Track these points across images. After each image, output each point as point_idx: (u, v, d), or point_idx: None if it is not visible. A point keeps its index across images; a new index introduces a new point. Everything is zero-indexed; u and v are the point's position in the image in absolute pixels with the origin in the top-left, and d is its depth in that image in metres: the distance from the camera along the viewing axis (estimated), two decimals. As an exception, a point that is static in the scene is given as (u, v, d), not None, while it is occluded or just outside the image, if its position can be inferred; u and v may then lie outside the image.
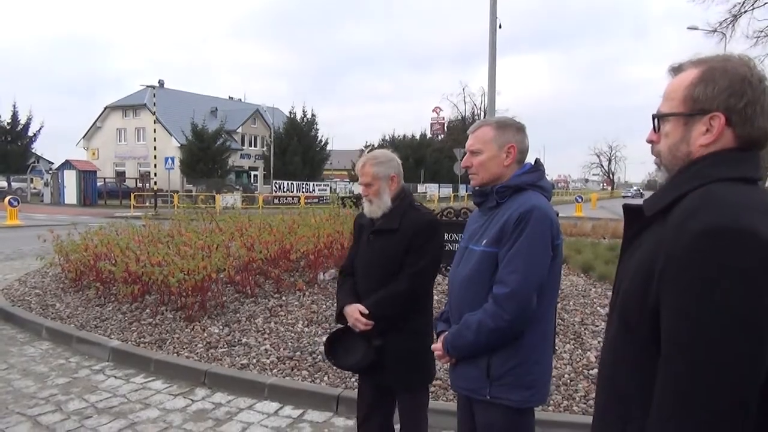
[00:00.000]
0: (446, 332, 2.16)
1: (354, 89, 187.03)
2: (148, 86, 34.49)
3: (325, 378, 4.25)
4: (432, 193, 47.15)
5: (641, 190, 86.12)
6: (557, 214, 2.14)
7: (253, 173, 50.64)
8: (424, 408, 2.74)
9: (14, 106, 38.65)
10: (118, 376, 4.60)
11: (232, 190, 36.00)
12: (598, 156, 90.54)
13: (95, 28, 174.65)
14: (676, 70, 1.27)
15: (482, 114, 59.26)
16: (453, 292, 2.23)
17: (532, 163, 2.18)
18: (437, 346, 2.18)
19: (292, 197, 35.72)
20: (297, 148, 43.39)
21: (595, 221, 15.42)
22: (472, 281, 2.09)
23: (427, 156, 53.27)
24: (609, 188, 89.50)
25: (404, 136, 55.80)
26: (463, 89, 72.15)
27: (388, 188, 2.64)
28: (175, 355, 4.80)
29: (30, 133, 39.34)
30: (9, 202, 20.04)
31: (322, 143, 47.12)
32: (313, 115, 46.17)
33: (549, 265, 2.01)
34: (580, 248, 8.68)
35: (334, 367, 4.28)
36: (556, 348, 4.52)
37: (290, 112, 46.27)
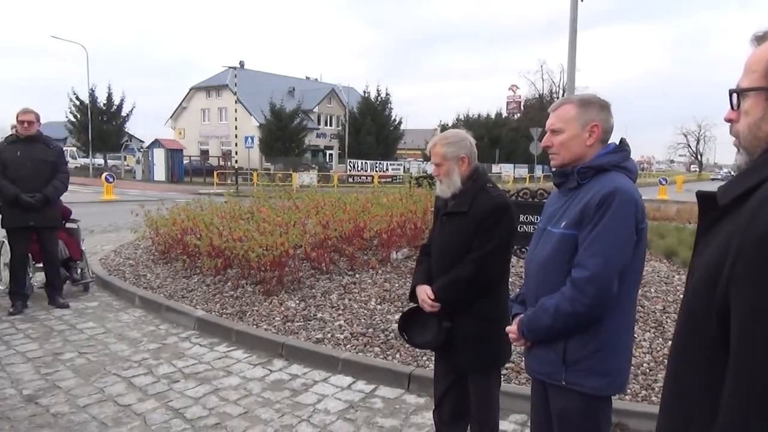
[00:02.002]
0: (522, 315, 2.13)
1: (430, 67, 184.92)
2: (229, 67, 35.81)
3: (397, 356, 4.32)
4: (507, 173, 46.18)
5: (732, 173, 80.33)
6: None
7: (328, 152, 51.53)
8: (496, 390, 2.74)
9: (109, 88, 41.07)
10: (202, 344, 4.87)
11: (308, 168, 36.82)
12: (686, 136, 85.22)
13: (183, 11, 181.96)
14: (759, 39, 1.12)
15: (561, 92, 57.17)
16: (529, 274, 2.19)
17: (617, 143, 2.09)
18: (512, 329, 2.16)
19: (366, 176, 36.05)
20: (371, 127, 43.65)
21: (680, 205, 14.61)
22: (549, 264, 2.04)
23: (502, 135, 52.04)
24: (697, 170, 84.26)
25: (479, 115, 54.73)
26: (541, 66, 69.58)
27: (458, 169, 2.61)
28: (255, 326, 5.02)
29: (123, 114, 41.71)
30: (105, 178, 21.54)
31: (396, 122, 47.13)
32: (387, 94, 46.23)
33: (632, 250, 1.93)
34: (664, 233, 8.29)
35: (406, 345, 4.35)
36: (636, 336, 4.35)
37: (364, 92, 46.54)
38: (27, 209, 5.48)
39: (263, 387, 3.99)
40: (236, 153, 32.45)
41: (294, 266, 6.22)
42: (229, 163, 38.78)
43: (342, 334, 4.76)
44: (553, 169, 2.15)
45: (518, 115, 59.27)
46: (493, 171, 44.38)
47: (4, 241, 6.15)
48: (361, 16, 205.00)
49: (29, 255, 5.91)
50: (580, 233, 1.95)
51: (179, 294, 6.05)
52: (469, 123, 50.21)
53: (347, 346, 4.53)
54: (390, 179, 34.65)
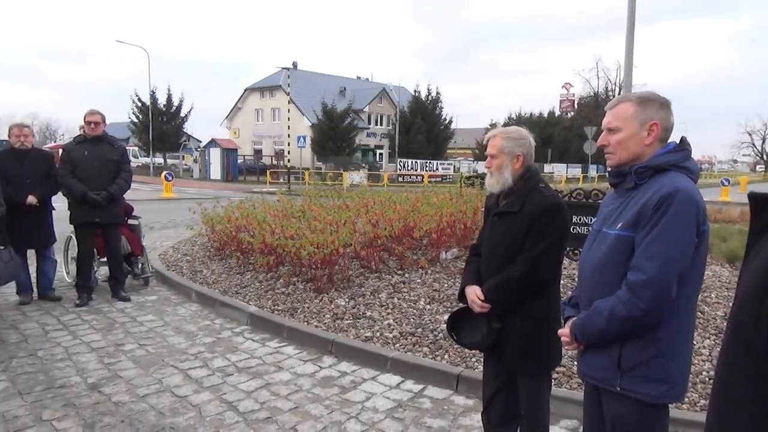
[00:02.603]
0: (574, 318, 2.09)
1: (482, 65, 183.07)
2: (282, 68, 36.49)
3: (446, 356, 4.30)
4: (559, 173, 45.17)
5: None
6: (700, 198, 1.96)
7: (378, 151, 51.80)
8: (546, 394, 2.69)
9: (169, 89, 42.58)
10: (255, 339, 4.99)
11: (358, 167, 37.10)
12: (750, 134, 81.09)
13: (240, 15, 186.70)
14: None
15: (617, 89, 55.46)
16: (583, 276, 2.14)
17: (677, 142, 2.02)
18: (564, 332, 2.12)
19: (416, 175, 36.04)
20: (421, 127, 43.58)
21: (744, 206, 13.88)
22: (604, 266, 1.99)
23: (555, 135, 50.94)
24: (763, 169, 79.96)
25: (531, 113, 53.74)
26: (597, 63, 68.16)
27: (511, 165, 2.58)
28: (305, 323, 5.10)
29: (182, 114, 43.16)
30: (165, 176, 22.38)
31: (447, 121, 46.89)
32: (437, 93, 46.06)
33: (692, 253, 1.86)
34: (726, 236, 7.92)
35: (455, 346, 4.33)
36: (695, 343, 4.19)
37: (415, 91, 46.51)
38: (93, 206, 5.76)
39: (313, 383, 4.05)
40: (288, 152, 33.05)
41: (344, 264, 6.29)
42: (281, 162, 39.55)
43: (391, 333, 4.78)
44: (610, 169, 2.10)
45: (572, 113, 57.93)
46: (545, 171, 43.53)
47: (71, 237, 6.48)
48: (413, 15, 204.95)
49: (94, 250, 6.20)
50: (637, 235, 1.89)
51: (233, 290, 6.22)
52: (521, 122, 49.40)
53: (396, 345, 4.54)
54: (440, 179, 34.52)
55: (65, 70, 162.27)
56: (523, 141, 2.62)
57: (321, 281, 5.90)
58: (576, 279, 2.51)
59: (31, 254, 6.06)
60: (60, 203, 5.90)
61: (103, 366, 4.30)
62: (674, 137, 2.05)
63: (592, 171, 41.55)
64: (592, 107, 53.73)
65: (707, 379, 3.83)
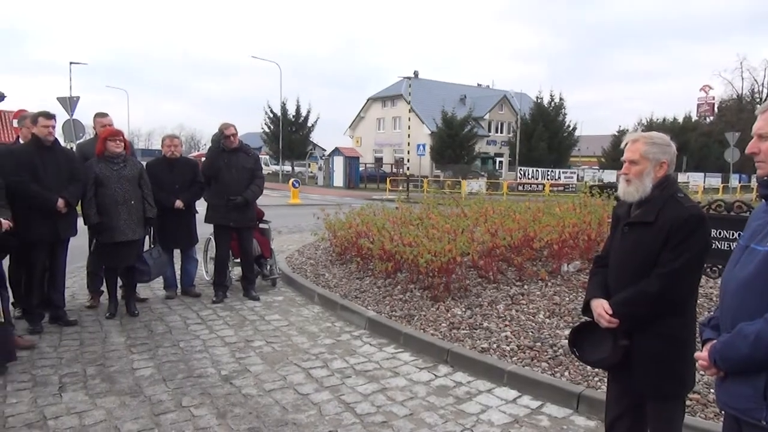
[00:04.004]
0: (714, 341, 1.92)
1: (609, 69, 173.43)
2: (404, 78, 37.15)
3: (566, 373, 4.13)
4: (696, 183, 41.43)
5: None
6: None
7: (498, 159, 50.94)
8: (677, 422, 2.49)
9: (297, 101, 45.10)
10: (372, 343, 5.12)
11: (477, 176, 36.76)
12: None
13: (366, 26, 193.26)
14: None
15: (765, 91, 50.01)
16: (726, 296, 1.96)
17: None
18: (702, 356, 1.95)
19: (537, 184, 34.95)
20: (543, 134, 42.19)
21: None
22: (751, 286, 1.81)
23: (691, 141, 46.76)
24: None
25: (664, 119, 49.82)
26: (741, 63, 61.59)
27: (653, 173, 2.42)
28: (422, 331, 5.14)
29: (309, 124, 45.44)
30: (292, 183, 23.75)
31: (570, 128, 44.98)
32: (561, 99, 44.37)
33: None
34: None
35: (576, 363, 4.14)
36: None
37: (537, 97, 45.18)
38: (229, 210, 6.26)
39: (428, 391, 4.07)
40: (408, 160, 33.52)
41: (461, 273, 6.26)
42: (401, 170, 40.23)
43: (508, 345, 4.68)
44: (761, 179, 1.90)
45: (711, 118, 53.01)
46: (679, 180, 40.11)
47: (210, 238, 7.07)
48: (536, 20, 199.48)
49: (230, 251, 6.71)
50: None
51: (353, 294, 6.42)
52: (652, 128, 45.76)
53: (513, 359, 4.44)
54: (562, 188, 33.20)
55: (209, 85, 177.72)
56: (668, 148, 2.47)
57: (438, 289, 5.92)
58: (715, 298, 2.32)
59: (176, 253, 6.69)
60: (202, 207, 6.48)
61: (235, 360, 4.64)
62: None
63: (734, 181, 37.65)
64: (735, 111, 48.95)
65: None
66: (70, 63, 25.65)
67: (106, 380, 4.14)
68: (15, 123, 8.85)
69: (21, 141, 5.61)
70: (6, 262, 4.84)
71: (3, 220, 4.07)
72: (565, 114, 44.48)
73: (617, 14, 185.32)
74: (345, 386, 4.14)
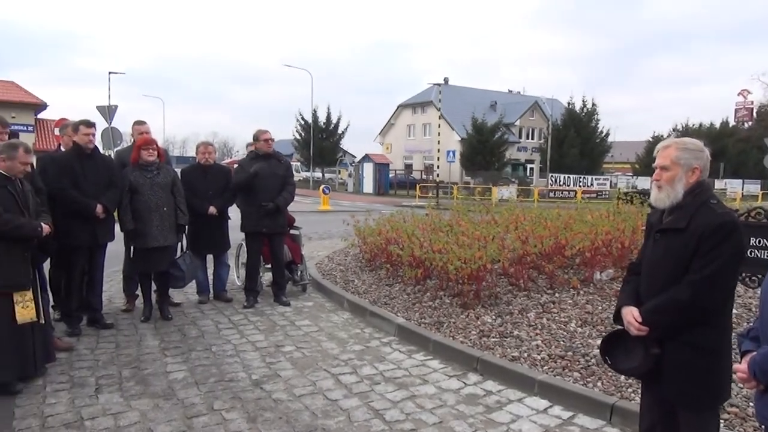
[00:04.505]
0: (754, 353, 1.87)
1: (642, 74, 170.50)
2: (434, 84, 37.14)
3: (599, 383, 4.05)
4: (733, 189, 40.25)
5: None
6: None
7: (529, 166, 50.41)
8: None
9: (328, 108, 45.59)
10: (401, 350, 5.11)
11: (507, 182, 36.45)
12: None
13: (397, 33, 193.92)
14: None
15: (806, 96, 48.30)
16: (766, 306, 1.91)
17: None
18: (741, 368, 1.90)
19: (568, 191, 34.45)
20: (575, 140, 41.61)
21: None
22: None
23: (728, 147, 45.48)
24: None
25: (700, 124, 48.58)
26: (780, 67, 59.28)
27: (685, 179, 2.38)
28: (451, 338, 5.11)
29: (339, 131, 45.78)
30: (323, 190, 23.93)
31: (603, 134, 44.24)
32: (593, 105, 43.73)
33: None
34: None
35: (609, 373, 4.07)
36: None
37: (569, 103, 44.62)
38: (262, 216, 6.34)
39: (457, 399, 4.05)
40: (438, 167, 33.46)
41: (491, 281, 6.21)
42: (431, 176, 40.17)
43: (539, 354, 4.62)
44: None
45: (749, 123, 51.47)
46: (716, 186, 39.11)
47: (242, 244, 7.17)
48: (567, 25, 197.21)
49: (261, 257, 6.80)
50: None
51: (382, 300, 6.43)
52: (687, 134, 44.94)
53: (544, 368, 4.38)
54: (594, 195, 32.62)
55: (242, 92, 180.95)
56: (700, 153, 2.42)
57: (468, 297, 5.88)
58: (754, 309, 2.26)
59: (208, 258, 6.80)
60: (234, 213, 6.59)
61: (265, 365, 4.69)
62: None
63: (774, 188, 36.47)
64: (776, 116, 47.38)
65: None
66: (109, 73, 26.37)
67: (141, 383, 4.24)
68: (57, 131, 9.15)
69: (62, 148, 5.80)
70: (46, 266, 5.00)
71: (44, 225, 4.21)
72: (598, 120, 43.86)
73: (650, 18, 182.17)
74: (374, 393, 4.14)
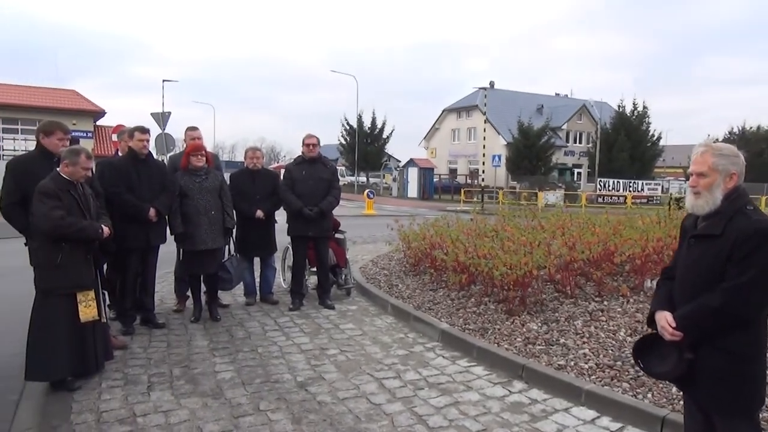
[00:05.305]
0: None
1: (697, 76, 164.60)
2: (480, 88, 36.90)
3: (649, 395, 3.93)
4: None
5: None
6: None
7: (576, 170, 49.32)
8: None
9: (373, 113, 45.80)
10: (445, 356, 5.08)
11: (554, 187, 35.73)
12: None
13: (443, 37, 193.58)
14: None
15: None
16: None
17: None
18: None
19: (618, 196, 33.52)
20: (624, 144, 40.43)
21: None
22: None
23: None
24: None
25: (759, 127, 46.38)
26: None
27: (723, 185, 2.36)
28: (496, 345, 5.05)
29: (384, 136, 45.96)
30: (367, 194, 24.10)
31: (654, 138, 42.83)
32: (644, 108, 42.39)
33: None
34: None
35: (660, 385, 3.96)
36: None
37: (618, 106, 43.44)
38: (307, 221, 6.43)
39: (502, 407, 4.00)
40: (483, 171, 33.16)
41: (537, 287, 6.11)
42: (475, 181, 39.84)
43: (586, 363, 4.51)
44: None
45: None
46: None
47: (288, 247, 7.29)
48: (619, 26, 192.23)
49: (307, 260, 6.89)
50: None
51: (426, 305, 6.41)
52: (745, 137, 43.06)
53: (592, 377, 4.27)
54: (645, 200, 31.68)
55: (289, 98, 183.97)
56: (737, 159, 2.39)
57: (513, 303, 5.80)
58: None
59: (255, 261, 6.94)
60: (281, 217, 6.70)
61: (310, 367, 4.75)
62: None
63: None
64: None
65: None
66: (163, 81, 27.33)
67: (190, 381, 4.36)
68: (114, 137, 9.54)
69: (119, 154, 6.05)
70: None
71: (105, 227, 4.39)
72: (649, 123, 42.48)
73: (706, 18, 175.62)
74: (417, 398, 4.14)
